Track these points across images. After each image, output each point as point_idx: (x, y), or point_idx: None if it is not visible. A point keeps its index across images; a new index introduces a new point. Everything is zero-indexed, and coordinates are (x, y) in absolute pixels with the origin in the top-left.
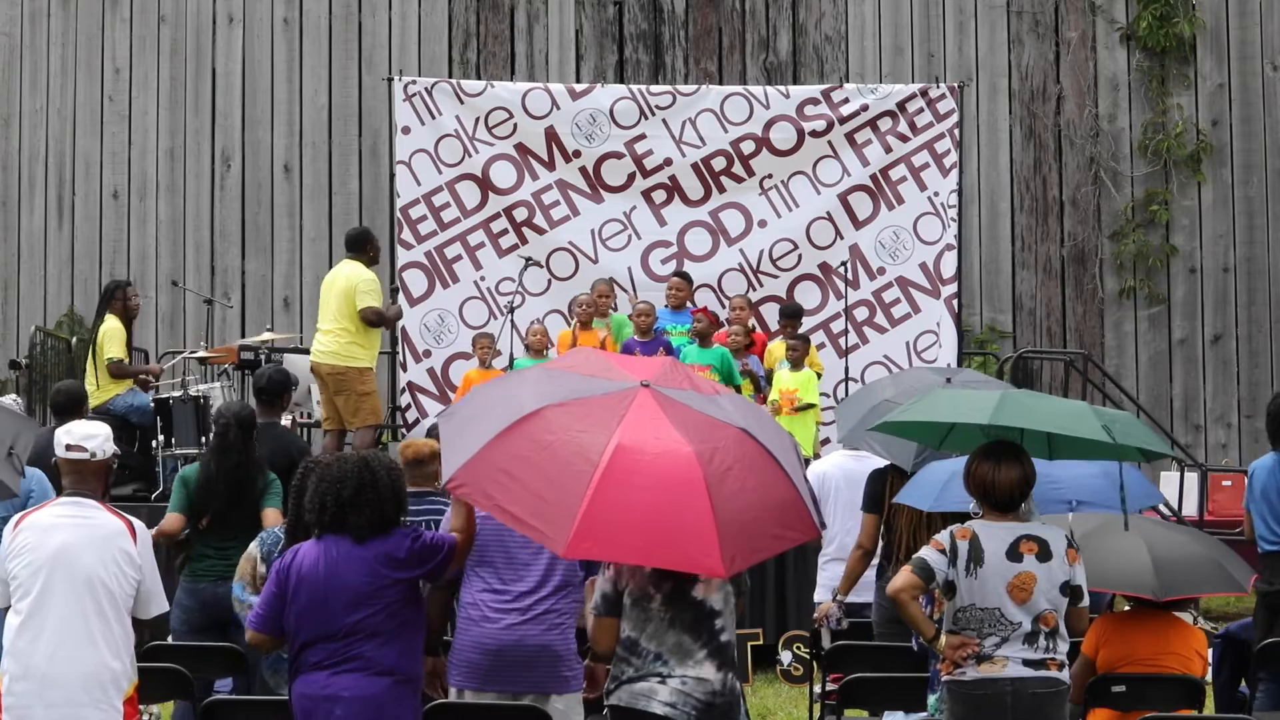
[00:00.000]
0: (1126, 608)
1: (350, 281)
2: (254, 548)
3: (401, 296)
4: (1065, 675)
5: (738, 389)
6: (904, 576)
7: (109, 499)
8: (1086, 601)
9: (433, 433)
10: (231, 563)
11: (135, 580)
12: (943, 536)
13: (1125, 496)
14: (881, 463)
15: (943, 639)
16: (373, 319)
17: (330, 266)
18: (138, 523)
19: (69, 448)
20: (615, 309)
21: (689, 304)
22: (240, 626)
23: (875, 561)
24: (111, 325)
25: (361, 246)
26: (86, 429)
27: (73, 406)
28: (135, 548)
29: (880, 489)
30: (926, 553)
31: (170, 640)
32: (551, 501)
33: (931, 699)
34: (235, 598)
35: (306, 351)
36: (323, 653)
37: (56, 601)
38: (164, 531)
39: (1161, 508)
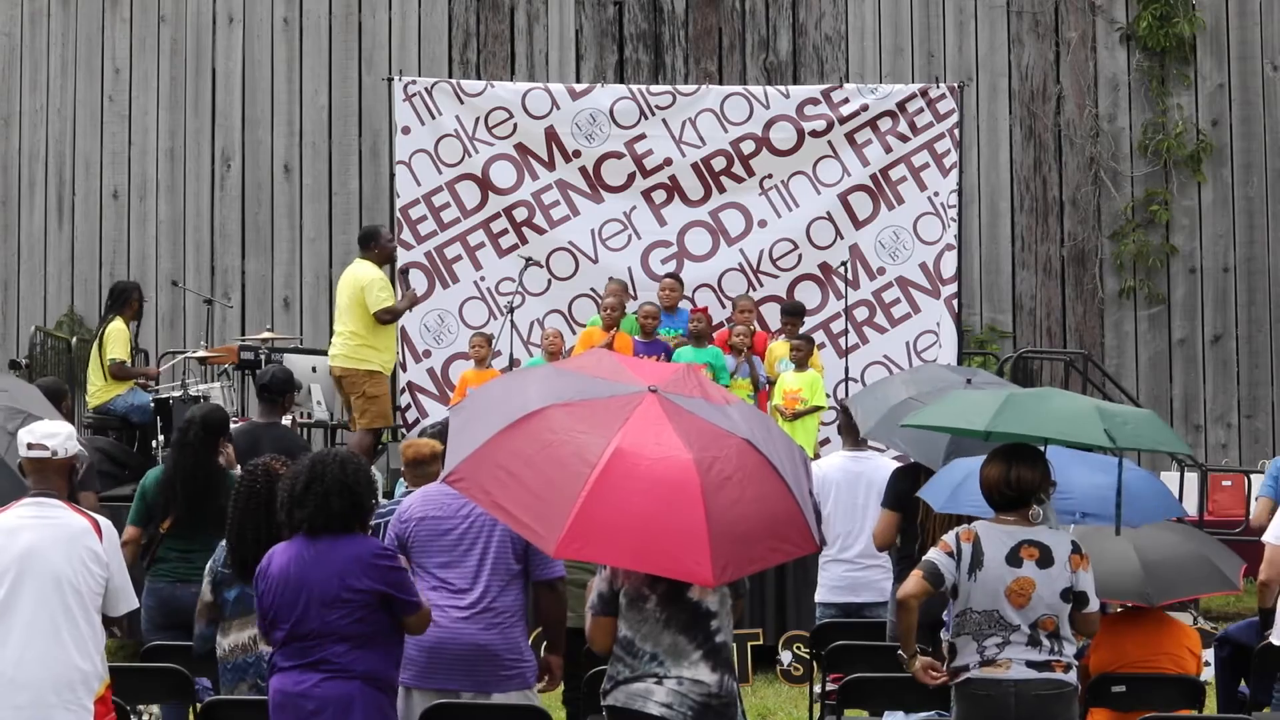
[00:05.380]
0: (1119, 609)
1: (358, 284)
2: (206, 585)
3: (414, 273)
4: (1071, 677)
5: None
6: (915, 582)
7: (79, 497)
8: (1094, 606)
9: (427, 433)
10: (192, 565)
11: (103, 579)
12: (949, 538)
13: (1121, 500)
14: (886, 462)
15: (917, 661)
16: (387, 319)
17: (330, 266)
18: (103, 520)
19: (30, 446)
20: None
21: (688, 304)
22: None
23: (878, 562)
24: (118, 326)
25: (367, 243)
26: (47, 428)
27: (52, 403)
28: (102, 546)
29: (905, 488)
30: (935, 556)
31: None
32: (547, 501)
33: None
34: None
35: (307, 351)
36: (295, 652)
37: (24, 603)
38: (124, 545)
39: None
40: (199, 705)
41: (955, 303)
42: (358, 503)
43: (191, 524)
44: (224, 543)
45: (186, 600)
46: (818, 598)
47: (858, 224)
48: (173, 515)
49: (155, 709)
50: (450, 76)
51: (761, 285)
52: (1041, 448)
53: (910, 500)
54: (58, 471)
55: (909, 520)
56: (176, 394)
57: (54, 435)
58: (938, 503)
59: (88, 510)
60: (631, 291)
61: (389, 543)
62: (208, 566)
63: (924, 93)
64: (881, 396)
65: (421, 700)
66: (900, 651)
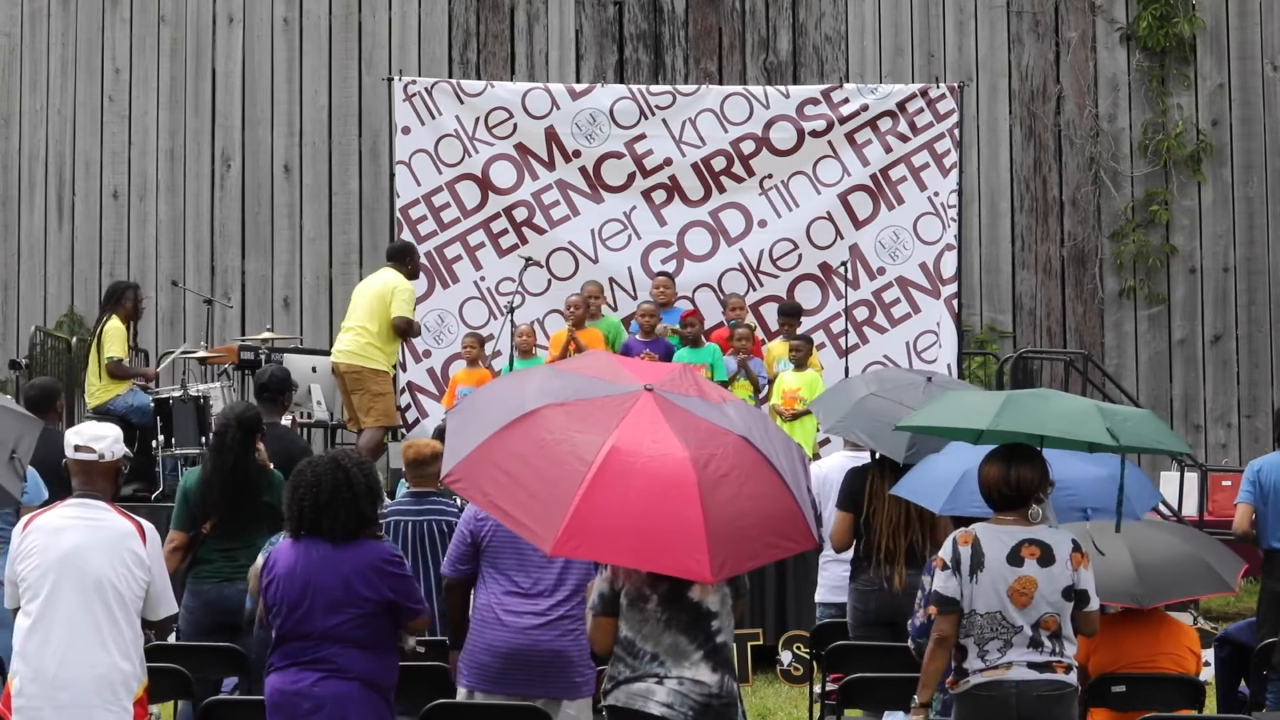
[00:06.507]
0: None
1: (387, 287)
2: (260, 559)
3: None
4: (1072, 678)
5: (724, 383)
6: (945, 625)
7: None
8: (1095, 605)
9: (435, 433)
10: (236, 564)
11: (145, 582)
12: (945, 550)
13: (1123, 498)
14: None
15: (921, 715)
16: (403, 327)
17: (330, 266)
18: (147, 524)
19: (78, 449)
20: (615, 308)
21: (687, 303)
22: (248, 627)
23: (848, 559)
24: (114, 325)
25: (402, 258)
26: (95, 430)
27: (45, 403)
28: (145, 549)
29: (858, 486)
30: (937, 582)
31: (175, 642)
32: (544, 500)
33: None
34: (249, 611)
35: (307, 351)
36: (295, 651)
37: (66, 604)
38: (172, 549)
39: (1161, 507)
40: (201, 705)
41: (955, 303)
42: (378, 504)
43: (234, 524)
44: (278, 538)
45: (234, 600)
46: (818, 598)
47: (858, 224)
48: (215, 516)
49: (156, 709)
50: (450, 76)
51: (761, 285)
52: (1037, 447)
53: (861, 499)
54: (103, 474)
55: (857, 519)
56: (176, 394)
57: (101, 439)
58: (936, 504)
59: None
60: (631, 291)
61: (458, 539)
62: (264, 551)
63: (924, 93)
64: (843, 395)
65: (444, 701)
66: (916, 695)
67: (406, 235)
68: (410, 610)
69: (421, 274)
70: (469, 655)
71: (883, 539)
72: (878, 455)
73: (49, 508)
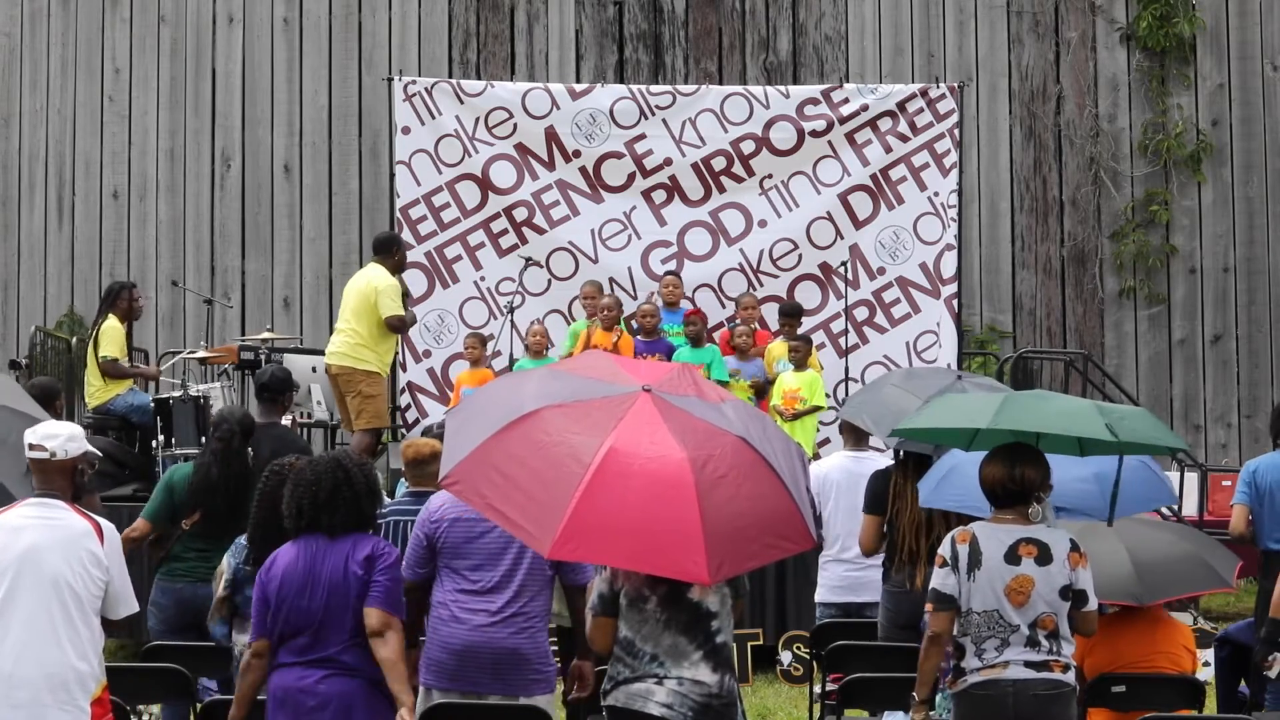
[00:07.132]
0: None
1: (370, 287)
2: (221, 590)
3: (413, 272)
4: (1070, 677)
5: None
6: (938, 620)
7: (84, 499)
8: (1093, 605)
9: (432, 433)
10: (211, 564)
11: (102, 581)
12: (944, 547)
13: (1117, 493)
14: (884, 463)
15: (921, 712)
16: (396, 325)
17: (330, 266)
18: (105, 524)
19: (32, 447)
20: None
21: (688, 303)
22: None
23: (878, 562)
24: (110, 325)
25: (388, 250)
26: (49, 429)
27: (45, 403)
28: (102, 549)
29: (883, 488)
30: (937, 579)
31: (150, 641)
32: (541, 502)
33: (938, 697)
34: (217, 637)
35: (307, 351)
36: (299, 648)
37: (22, 602)
38: (131, 539)
39: (1163, 509)
40: (199, 705)
41: (955, 303)
42: (377, 505)
43: (221, 526)
44: (240, 541)
45: (207, 600)
46: (818, 598)
47: (858, 224)
48: (200, 515)
49: (155, 709)
50: (450, 76)
51: (761, 285)
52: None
53: (886, 501)
54: (59, 472)
55: (883, 522)
56: (176, 394)
57: (54, 437)
58: (923, 496)
59: (90, 512)
60: (631, 291)
61: (414, 542)
62: (225, 563)
63: (924, 93)
64: (871, 386)
65: (445, 701)
66: (914, 693)
67: (406, 235)
68: (377, 594)
69: (421, 274)
70: (426, 653)
71: (905, 540)
72: (902, 456)
73: (9, 507)
